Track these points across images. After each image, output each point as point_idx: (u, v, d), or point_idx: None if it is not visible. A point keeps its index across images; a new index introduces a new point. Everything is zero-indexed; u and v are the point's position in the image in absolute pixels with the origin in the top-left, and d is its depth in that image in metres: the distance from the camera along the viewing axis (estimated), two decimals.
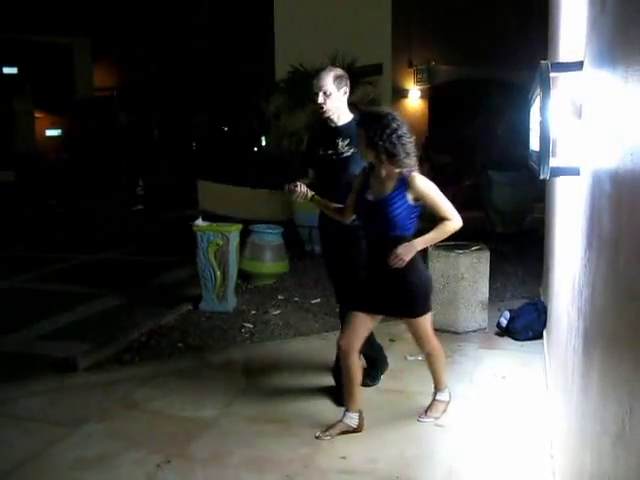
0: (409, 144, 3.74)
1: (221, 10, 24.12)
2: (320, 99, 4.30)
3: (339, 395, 4.29)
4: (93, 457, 3.85)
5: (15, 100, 31.56)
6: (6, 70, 32.48)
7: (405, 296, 3.92)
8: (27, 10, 28.24)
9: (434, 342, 4.15)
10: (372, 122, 3.77)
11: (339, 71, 4.42)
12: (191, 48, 24.61)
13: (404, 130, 3.74)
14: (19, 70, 34.38)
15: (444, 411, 4.23)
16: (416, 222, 3.88)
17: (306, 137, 4.91)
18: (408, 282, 3.88)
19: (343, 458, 3.74)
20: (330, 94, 4.28)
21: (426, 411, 4.21)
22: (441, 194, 3.83)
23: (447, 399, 4.28)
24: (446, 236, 3.91)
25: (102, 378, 5.16)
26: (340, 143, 4.31)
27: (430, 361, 4.23)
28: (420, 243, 3.83)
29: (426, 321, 4.05)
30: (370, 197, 3.85)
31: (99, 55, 36.14)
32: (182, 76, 25.01)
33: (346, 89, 4.38)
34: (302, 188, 4.11)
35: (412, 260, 3.81)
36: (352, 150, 4.27)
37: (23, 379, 5.24)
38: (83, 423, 4.28)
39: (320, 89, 4.30)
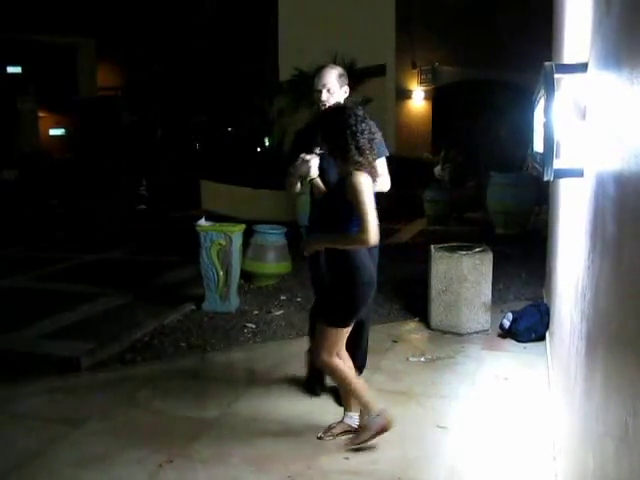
0: (363, 141, 3.56)
1: (223, 10, 24.14)
2: (324, 96, 4.28)
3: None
4: (95, 456, 3.85)
5: (19, 99, 31.61)
6: (10, 69, 32.53)
7: (325, 295, 3.89)
8: (31, 10, 28.29)
9: (330, 361, 3.80)
10: (329, 117, 3.75)
11: (341, 69, 4.43)
12: (193, 48, 24.63)
13: (362, 127, 3.57)
14: (23, 69, 34.42)
15: (341, 434, 3.98)
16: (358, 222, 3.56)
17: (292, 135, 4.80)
18: (331, 283, 3.79)
19: (345, 459, 3.74)
20: (333, 92, 4.28)
21: (326, 430, 4.01)
22: (368, 202, 3.50)
23: (353, 425, 3.99)
24: (348, 246, 3.64)
25: (105, 377, 5.17)
26: None
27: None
28: (319, 240, 3.78)
29: (332, 335, 3.76)
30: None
31: (103, 55, 36.16)
32: (185, 76, 25.03)
33: (346, 87, 4.39)
34: (314, 163, 3.98)
35: (342, 264, 3.69)
36: None
37: (25, 378, 5.25)
38: (85, 422, 4.29)
39: (324, 86, 4.28)
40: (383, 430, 3.80)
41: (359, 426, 3.95)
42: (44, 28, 30.93)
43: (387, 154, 4.34)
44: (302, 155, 4.03)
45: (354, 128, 3.56)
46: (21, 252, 11.30)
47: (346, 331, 3.79)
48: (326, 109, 4.09)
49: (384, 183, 4.24)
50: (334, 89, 4.28)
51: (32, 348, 5.99)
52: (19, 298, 7.89)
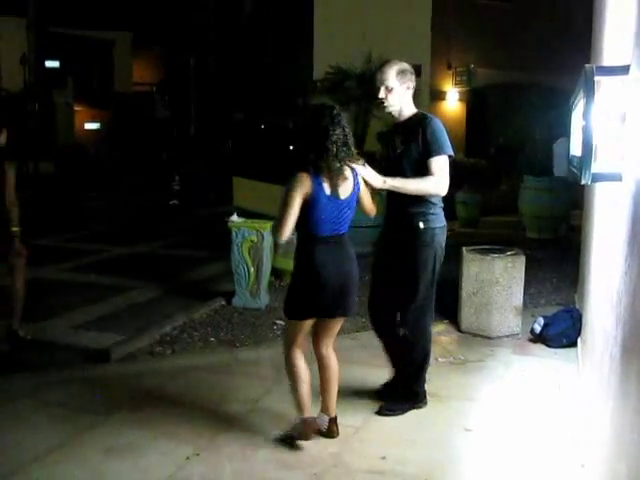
0: (317, 142, 3.59)
1: (261, 7, 24.20)
2: (381, 94, 4.10)
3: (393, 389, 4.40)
4: (123, 446, 3.90)
5: (55, 93, 32.01)
6: (48, 64, 32.96)
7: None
8: (70, 5, 28.65)
9: (286, 352, 3.87)
10: (304, 116, 3.81)
11: (403, 65, 4.16)
12: (229, 45, 24.73)
13: (321, 126, 3.59)
14: (60, 64, 34.85)
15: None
16: (309, 222, 3.66)
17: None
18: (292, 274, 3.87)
19: (372, 458, 3.73)
20: (392, 89, 4.08)
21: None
22: (283, 201, 3.63)
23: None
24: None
25: (134, 369, 5.23)
26: (397, 140, 4.14)
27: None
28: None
29: (289, 326, 3.91)
30: None
31: (138, 50, 36.47)
32: (221, 73, 25.15)
33: (410, 84, 4.14)
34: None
35: (299, 259, 3.76)
36: (404, 146, 4.09)
37: (57, 367, 5.34)
38: (114, 412, 4.34)
39: (382, 83, 4.09)
40: (299, 437, 3.84)
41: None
42: (82, 23, 31.30)
43: (448, 153, 4.07)
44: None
45: (329, 130, 3.59)
46: (57, 243, 11.44)
47: (301, 325, 3.80)
48: (306, 108, 4.01)
49: (435, 184, 4.03)
50: (393, 86, 4.07)
51: (63, 338, 6.09)
52: (52, 289, 7.99)
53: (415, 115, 4.19)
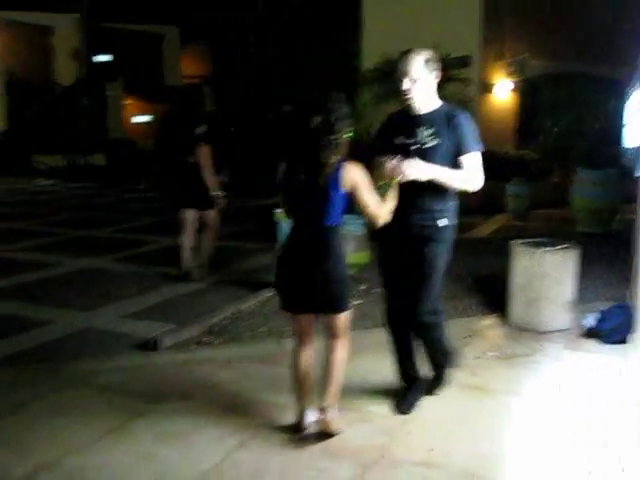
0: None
1: (309, 1, 24.20)
2: (405, 85, 3.88)
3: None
4: (173, 433, 3.95)
5: (107, 87, 32.56)
6: (100, 58, 33.53)
7: (333, 288, 3.73)
8: (120, 0, 29.09)
9: (293, 348, 3.94)
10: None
11: (428, 53, 3.94)
12: (277, 38, 24.79)
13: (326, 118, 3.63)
14: (112, 58, 35.43)
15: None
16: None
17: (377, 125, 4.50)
18: (335, 271, 3.71)
19: (419, 451, 3.72)
20: (417, 80, 3.87)
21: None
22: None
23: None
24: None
25: (183, 358, 5.29)
26: (421, 132, 3.95)
27: (338, 362, 3.89)
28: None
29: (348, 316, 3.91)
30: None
31: (187, 44, 36.80)
32: (268, 65, 25.23)
33: (437, 73, 3.95)
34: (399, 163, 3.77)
35: (338, 247, 3.74)
36: (437, 140, 3.91)
37: (107, 355, 5.45)
38: (163, 400, 4.41)
39: (406, 75, 3.86)
40: (294, 431, 3.90)
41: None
42: (132, 17, 31.74)
43: (482, 149, 4.02)
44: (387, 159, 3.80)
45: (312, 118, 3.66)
46: (108, 234, 11.67)
47: (293, 319, 3.90)
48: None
49: (473, 180, 3.96)
50: (418, 77, 3.86)
51: (114, 327, 6.19)
52: (103, 278, 8.15)
53: (442, 107, 3.99)
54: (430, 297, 4.12)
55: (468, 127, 3.96)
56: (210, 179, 7.58)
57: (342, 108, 3.67)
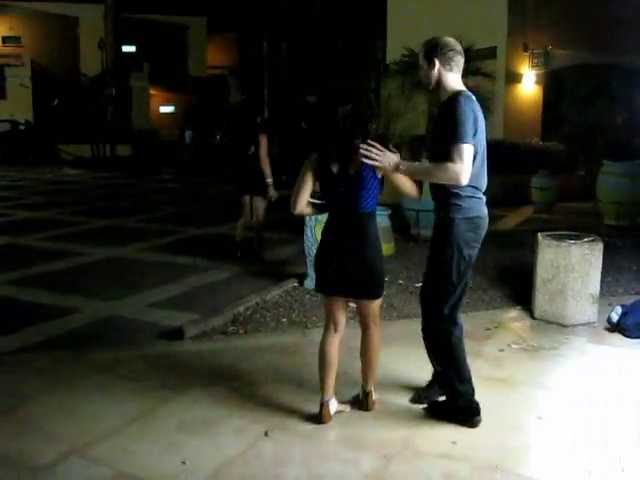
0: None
1: None
2: (420, 73, 3.94)
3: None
4: (197, 422, 3.98)
5: (132, 77, 32.74)
6: (125, 48, 33.70)
7: (369, 274, 3.85)
8: None
9: (323, 332, 4.06)
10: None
11: (432, 42, 3.88)
12: (303, 28, 24.77)
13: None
14: (137, 48, 35.62)
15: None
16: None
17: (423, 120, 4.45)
18: (372, 258, 3.83)
19: (442, 443, 3.72)
20: (421, 68, 3.89)
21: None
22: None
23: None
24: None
25: (208, 347, 5.33)
26: (431, 123, 4.00)
27: (376, 347, 4.05)
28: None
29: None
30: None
31: (212, 34, 36.87)
32: (293, 57, 25.24)
33: (438, 60, 3.79)
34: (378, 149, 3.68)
35: (374, 233, 3.83)
36: (435, 130, 3.92)
37: (133, 343, 5.50)
38: (188, 389, 4.44)
39: (419, 62, 3.93)
40: (318, 420, 3.92)
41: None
42: (157, 8, 31.84)
43: (469, 141, 3.61)
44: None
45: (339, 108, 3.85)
46: (133, 224, 11.76)
47: (326, 301, 4.01)
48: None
49: (450, 172, 3.59)
50: (422, 65, 3.87)
51: (139, 315, 6.25)
52: (129, 267, 8.23)
53: (452, 95, 3.80)
54: (438, 306, 3.93)
55: (456, 116, 3.64)
56: (265, 167, 8.00)
57: (369, 99, 3.76)
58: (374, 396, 4.09)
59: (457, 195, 3.75)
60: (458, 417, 3.92)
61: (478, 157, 3.74)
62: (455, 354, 3.93)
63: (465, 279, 3.87)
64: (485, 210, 3.86)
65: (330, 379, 3.95)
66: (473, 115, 3.66)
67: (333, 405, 3.97)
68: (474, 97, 3.79)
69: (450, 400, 4.01)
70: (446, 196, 3.78)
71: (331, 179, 3.79)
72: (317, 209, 4.03)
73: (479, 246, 3.88)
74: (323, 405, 3.93)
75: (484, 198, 3.86)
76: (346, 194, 3.77)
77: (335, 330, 3.98)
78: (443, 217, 3.81)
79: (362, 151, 3.63)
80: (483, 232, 3.87)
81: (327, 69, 24.42)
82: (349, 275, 3.81)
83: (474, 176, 3.70)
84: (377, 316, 4.02)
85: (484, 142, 3.79)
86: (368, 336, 4.01)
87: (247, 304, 6.30)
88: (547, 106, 16.90)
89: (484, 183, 3.85)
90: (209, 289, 7.14)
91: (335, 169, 3.76)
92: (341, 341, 4.04)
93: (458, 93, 3.75)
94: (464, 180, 3.59)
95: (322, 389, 3.96)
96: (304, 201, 3.88)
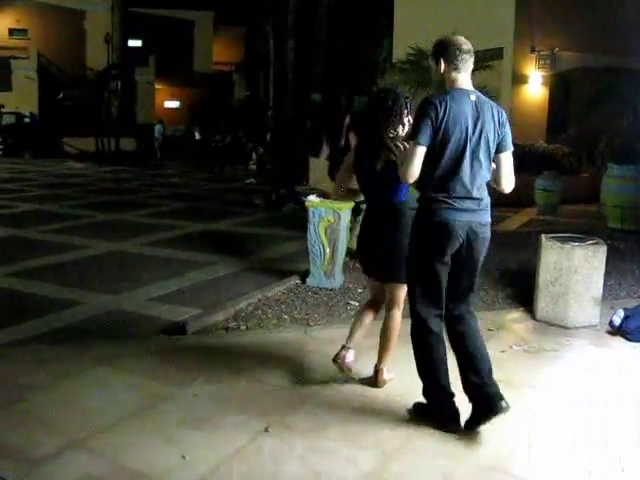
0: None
1: None
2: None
3: None
4: (198, 417, 3.98)
5: (138, 71, 32.75)
6: (131, 43, 33.71)
7: (397, 259, 4.10)
8: None
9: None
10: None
11: (439, 42, 3.90)
12: (309, 26, 24.74)
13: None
14: (143, 43, 35.62)
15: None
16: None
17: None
18: (400, 244, 4.05)
19: (442, 442, 3.72)
20: (432, 67, 3.93)
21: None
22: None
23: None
24: None
25: (209, 343, 5.33)
26: None
27: (394, 329, 4.36)
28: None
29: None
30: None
31: (218, 30, 36.85)
32: (299, 54, 25.21)
33: (443, 60, 3.80)
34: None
35: (405, 223, 4.06)
36: None
37: (134, 338, 5.50)
38: (189, 384, 4.43)
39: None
40: (334, 358, 4.46)
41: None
42: (163, 3, 31.83)
43: (414, 140, 3.63)
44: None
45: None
46: (137, 218, 11.78)
47: (367, 279, 4.63)
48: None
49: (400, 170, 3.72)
50: (432, 65, 3.91)
51: (141, 310, 6.26)
52: (132, 262, 8.23)
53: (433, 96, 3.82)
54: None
55: (416, 114, 3.70)
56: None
57: (397, 99, 4.14)
58: (385, 375, 4.39)
59: (421, 196, 3.77)
60: (436, 422, 3.88)
61: (445, 160, 3.64)
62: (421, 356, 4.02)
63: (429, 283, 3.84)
64: (459, 218, 3.66)
65: (355, 333, 4.48)
66: (432, 115, 3.58)
67: (350, 354, 4.43)
68: (472, 96, 3.77)
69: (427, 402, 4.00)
70: (419, 197, 3.82)
71: (365, 172, 4.24)
72: (352, 194, 4.63)
73: (446, 260, 3.75)
74: (343, 347, 4.45)
75: (459, 204, 3.66)
76: (377, 186, 4.20)
77: (371, 304, 4.54)
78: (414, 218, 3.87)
79: (394, 149, 3.97)
80: (451, 242, 3.68)
81: (333, 67, 24.41)
82: (376, 259, 4.29)
83: (440, 179, 3.64)
84: (400, 302, 4.33)
85: (462, 145, 3.65)
86: (387, 317, 4.38)
87: (249, 300, 6.30)
88: (553, 108, 16.87)
89: (461, 188, 3.66)
90: (211, 284, 7.15)
91: (369, 164, 4.16)
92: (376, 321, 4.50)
93: (445, 93, 3.74)
94: (408, 179, 3.67)
95: (348, 337, 4.48)
96: (342, 187, 4.47)
